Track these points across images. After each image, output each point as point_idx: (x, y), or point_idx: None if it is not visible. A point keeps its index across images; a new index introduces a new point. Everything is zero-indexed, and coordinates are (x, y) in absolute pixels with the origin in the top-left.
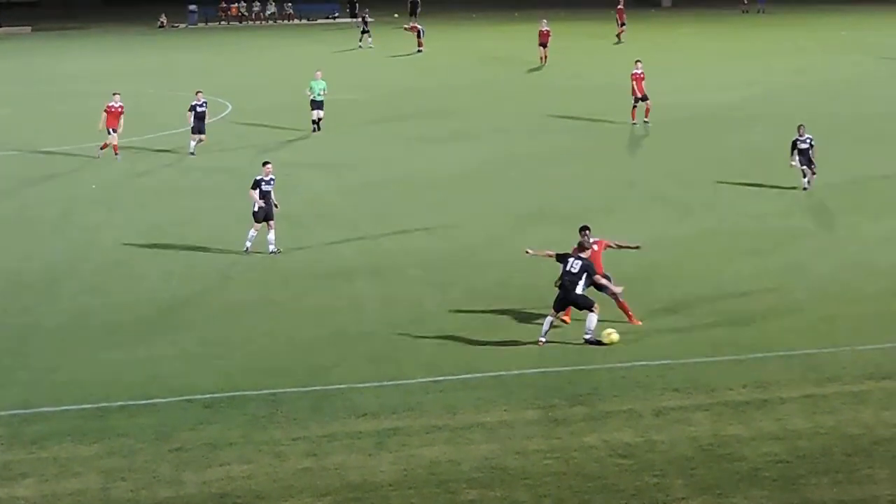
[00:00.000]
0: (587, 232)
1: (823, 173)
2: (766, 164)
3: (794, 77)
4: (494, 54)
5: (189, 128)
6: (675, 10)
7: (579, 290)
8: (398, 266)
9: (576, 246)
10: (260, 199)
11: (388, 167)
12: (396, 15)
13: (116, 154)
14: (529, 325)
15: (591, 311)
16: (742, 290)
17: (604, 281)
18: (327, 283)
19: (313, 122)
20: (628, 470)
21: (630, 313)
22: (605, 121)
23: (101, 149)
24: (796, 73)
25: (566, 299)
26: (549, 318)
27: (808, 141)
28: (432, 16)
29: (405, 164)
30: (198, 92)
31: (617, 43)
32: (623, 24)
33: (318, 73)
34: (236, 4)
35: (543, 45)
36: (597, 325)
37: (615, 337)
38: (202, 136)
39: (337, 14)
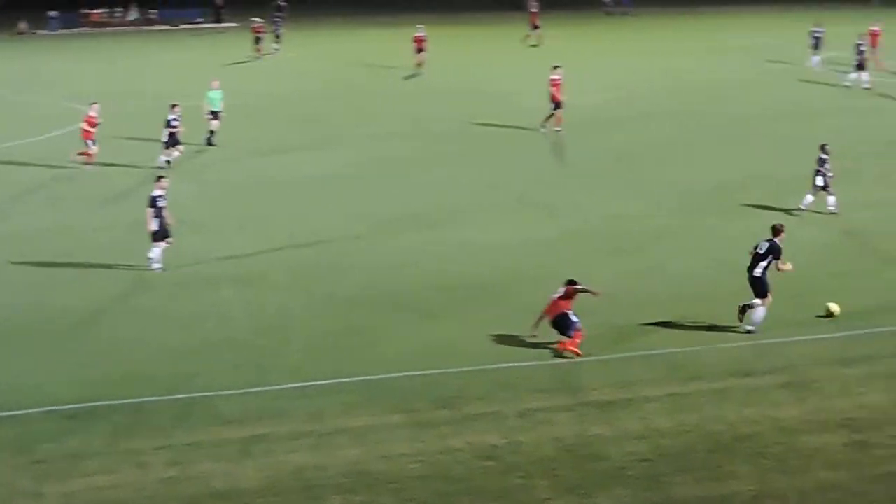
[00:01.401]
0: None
1: (688, 174)
2: (629, 165)
3: (659, 79)
4: (367, 59)
5: (163, 142)
6: (539, 14)
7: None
8: (263, 272)
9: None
10: (155, 217)
11: (252, 173)
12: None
13: None
14: (394, 329)
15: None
16: (605, 291)
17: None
18: (192, 291)
19: (210, 132)
20: (493, 472)
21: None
22: (473, 125)
23: None
24: (660, 74)
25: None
26: None
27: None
28: (302, 19)
29: (269, 170)
30: (174, 105)
31: (534, 45)
32: (536, 27)
33: (215, 82)
34: (98, 10)
35: (419, 50)
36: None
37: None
38: (180, 148)
39: (201, 20)
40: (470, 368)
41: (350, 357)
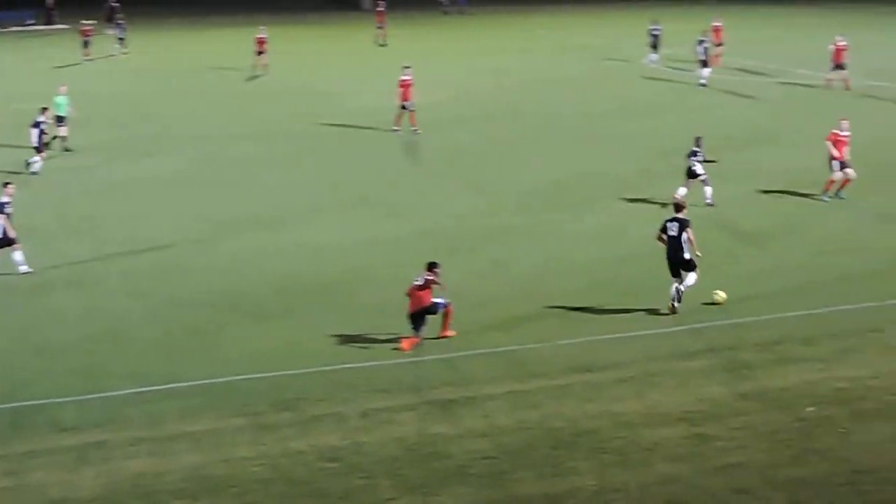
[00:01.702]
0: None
1: (529, 172)
2: (470, 164)
3: (498, 78)
4: (208, 61)
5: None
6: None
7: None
8: (97, 276)
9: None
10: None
11: (84, 176)
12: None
13: None
14: (235, 332)
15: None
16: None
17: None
18: (25, 297)
19: (60, 138)
20: (336, 473)
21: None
22: (314, 125)
23: None
24: (500, 74)
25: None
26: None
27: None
28: (139, 20)
29: (106, 173)
30: (44, 109)
31: (383, 45)
32: (381, 27)
33: (63, 87)
34: None
35: (260, 51)
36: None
37: (722, 296)
38: (43, 155)
39: (32, 21)
40: (311, 370)
41: (190, 360)
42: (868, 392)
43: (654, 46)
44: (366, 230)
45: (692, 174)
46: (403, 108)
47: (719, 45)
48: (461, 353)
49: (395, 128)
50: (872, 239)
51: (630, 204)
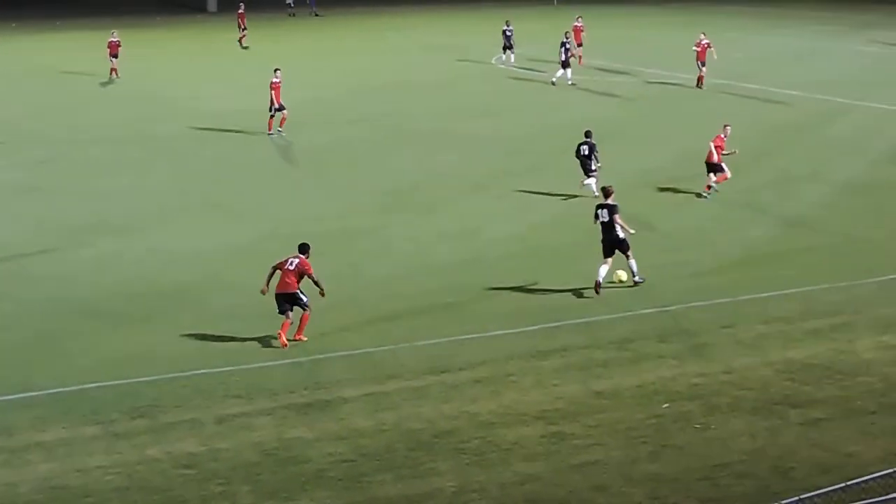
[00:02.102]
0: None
1: (381, 175)
2: (323, 166)
3: (350, 79)
4: (55, 65)
5: None
6: (223, 15)
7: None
8: None
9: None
10: None
11: None
12: None
13: None
14: (87, 339)
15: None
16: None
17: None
18: None
19: None
20: (193, 480)
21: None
22: (162, 129)
23: None
24: (350, 74)
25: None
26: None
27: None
28: None
29: None
30: None
31: (245, 48)
32: (244, 29)
33: None
34: None
35: (114, 55)
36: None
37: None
38: None
39: None
40: (166, 376)
41: (42, 369)
42: (722, 387)
43: (508, 47)
44: (220, 235)
45: (586, 167)
46: (277, 110)
47: (579, 45)
48: (317, 357)
49: (272, 132)
50: (723, 233)
51: (484, 204)
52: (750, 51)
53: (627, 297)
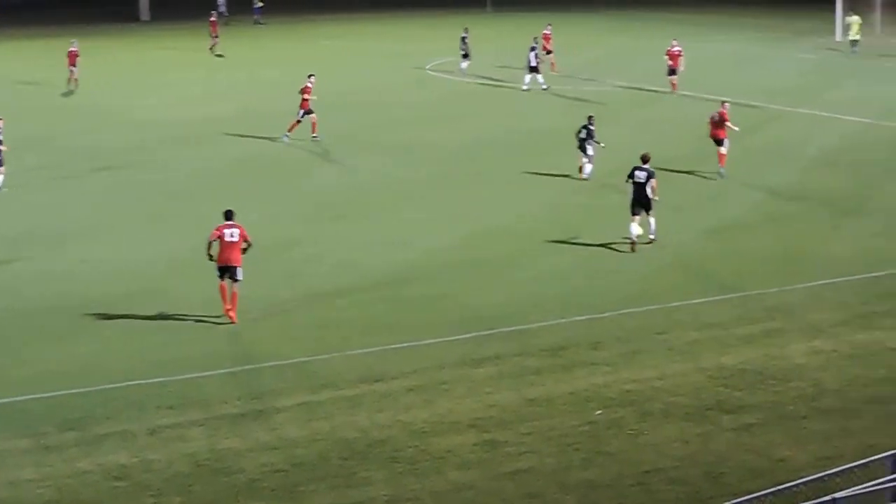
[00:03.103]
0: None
1: (316, 185)
2: (250, 174)
3: (281, 88)
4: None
5: None
6: (156, 25)
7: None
8: None
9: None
10: None
11: None
12: None
13: None
14: (17, 352)
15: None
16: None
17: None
18: None
19: None
20: (124, 492)
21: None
22: (99, 139)
23: None
24: (282, 85)
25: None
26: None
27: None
28: None
29: None
30: None
31: (219, 56)
32: (216, 37)
33: None
34: None
35: (73, 65)
36: None
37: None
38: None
39: None
40: (97, 388)
41: None
42: (655, 393)
43: (465, 54)
44: (153, 245)
45: (584, 149)
46: (305, 114)
47: (548, 52)
48: (250, 367)
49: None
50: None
51: (418, 214)
52: (689, 57)
53: (560, 304)
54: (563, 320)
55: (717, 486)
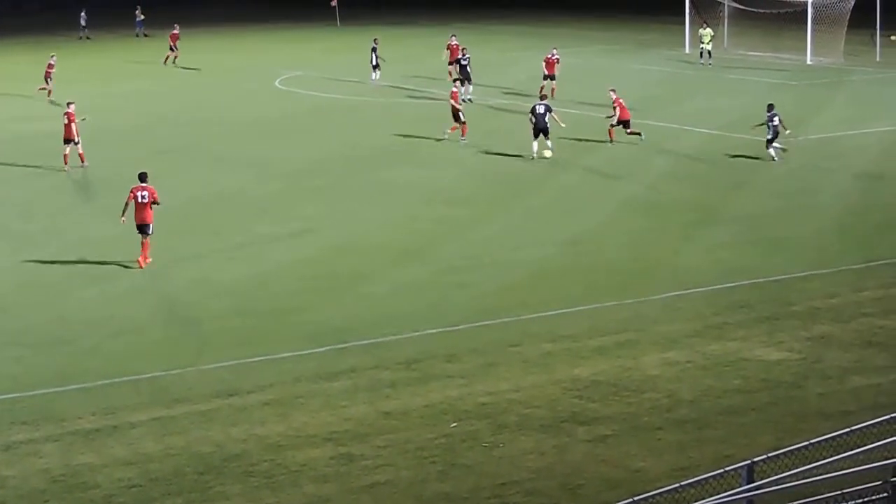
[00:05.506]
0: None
1: (169, 197)
2: (108, 190)
3: (137, 103)
4: None
5: None
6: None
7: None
8: None
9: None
10: None
11: None
12: None
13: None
14: None
15: None
16: (87, 318)
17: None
18: None
19: None
20: None
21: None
22: None
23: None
24: (139, 97)
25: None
26: None
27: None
28: None
29: None
30: None
31: (178, 66)
32: (174, 49)
33: None
34: None
35: (48, 77)
36: None
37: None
38: None
39: None
40: None
41: None
42: (510, 406)
43: (375, 66)
44: (4, 259)
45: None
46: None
47: (451, 63)
48: (104, 382)
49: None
50: (505, 253)
51: (271, 227)
52: (534, 70)
53: (414, 317)
54: (418, 333)
55: (574, 497)
